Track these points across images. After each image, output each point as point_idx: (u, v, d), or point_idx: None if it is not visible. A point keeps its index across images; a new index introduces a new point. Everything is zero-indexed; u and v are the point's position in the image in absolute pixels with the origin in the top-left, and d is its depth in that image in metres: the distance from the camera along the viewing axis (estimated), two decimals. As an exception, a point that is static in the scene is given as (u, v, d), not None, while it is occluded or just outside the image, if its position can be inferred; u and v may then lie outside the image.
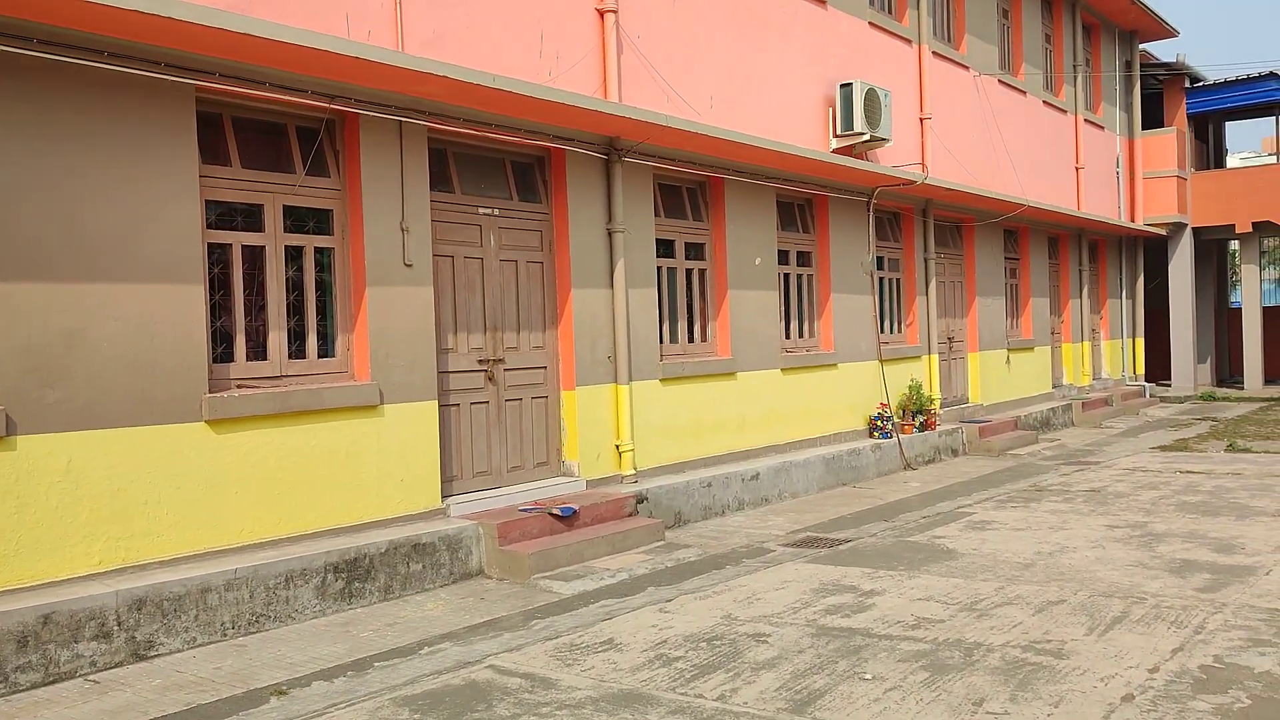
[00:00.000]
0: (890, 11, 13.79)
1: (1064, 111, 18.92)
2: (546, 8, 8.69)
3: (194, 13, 5.75)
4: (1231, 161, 30.62)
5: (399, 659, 5.74)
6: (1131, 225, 20.77)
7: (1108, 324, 21.66)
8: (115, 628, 5.66)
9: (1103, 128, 20.64)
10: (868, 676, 5.13)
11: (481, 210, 8.48)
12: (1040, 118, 17.97)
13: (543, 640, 5.98)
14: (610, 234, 9.34)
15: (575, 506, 8.14)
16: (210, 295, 6.70)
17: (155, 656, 5.81)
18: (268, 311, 7.01)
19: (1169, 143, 21.85)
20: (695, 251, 10.71)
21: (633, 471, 9.35)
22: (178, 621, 5.92)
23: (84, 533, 5.88)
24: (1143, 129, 22.19)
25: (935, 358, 14.52)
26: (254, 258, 6.98)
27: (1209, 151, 25.34)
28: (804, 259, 12.32)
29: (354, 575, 6.79)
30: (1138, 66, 22.09)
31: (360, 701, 5.05)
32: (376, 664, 5.66)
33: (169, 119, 6.32)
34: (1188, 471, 11.94)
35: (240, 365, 6.83)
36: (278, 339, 7.03)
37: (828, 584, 7.10)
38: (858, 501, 10.66)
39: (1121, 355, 22.02)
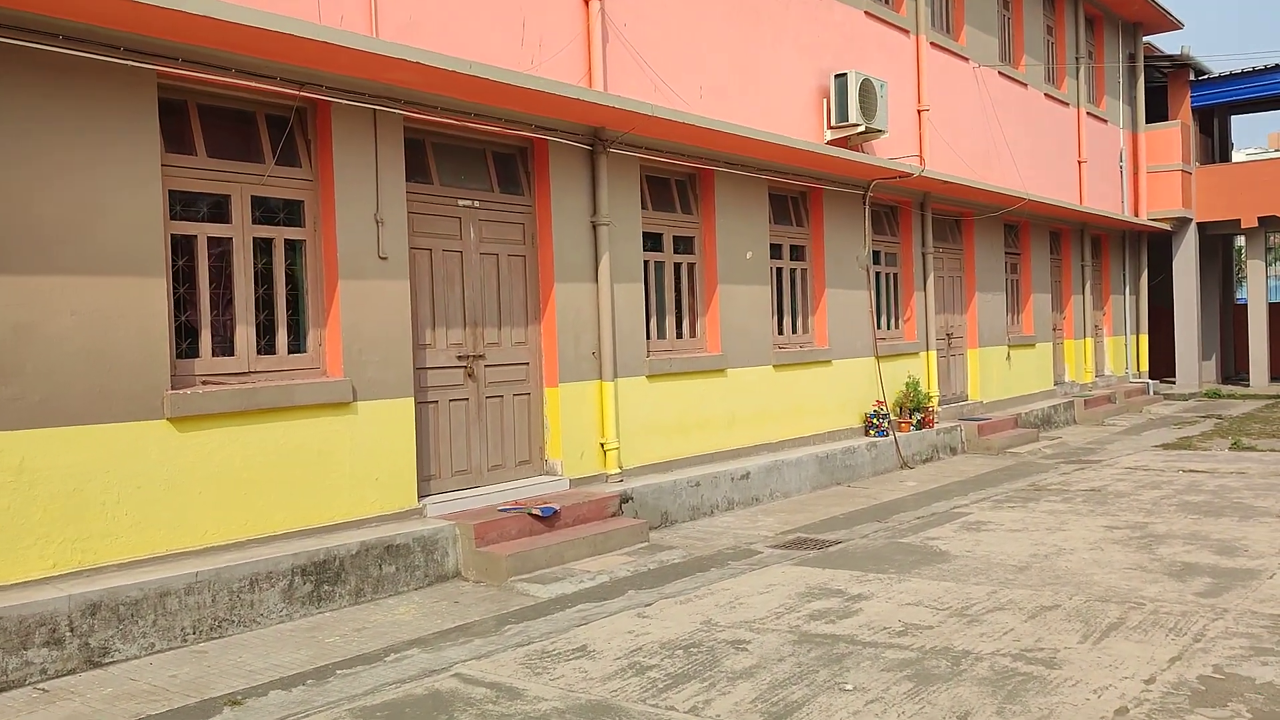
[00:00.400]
0: (887, 1, 13.52)
1: (1066, 104, 18.63)
2: (528, -6, 8.45)
3: (149, -7, 5.52)
4: (1237, 157, 30.28)
5: (363, 666, 5.51)
6: (1135, 220, 20.48)
7: (1110, 320, 21.37)
8: (68, 634, 5.44)
9: (1106, 121, 20.35)
10: (849, 687, 4.89)
11: (461, 202, 8.24)
12: (1041, 110, 17.69)
13: (514, 647, 5.74)
14: (595, 227, 9.10)
15: (556, 506, 7.91)
16: (174, 288, 6.47)
17: (110, 664, 5.59)
18: (235, 306, 6.78)
19: (1173, 136, 21.55)
20: (684, 245, 10.47)
21: (618, 470, 9.12)
22: (134, 627, 5.69)
23: (37, 535, 5.66)
24: (1146, 122, 21.88)
25: (933, 354, 14.26)
26: (221, 250, 6.75)
27: (1214, 145, 25.03)
28: (797, 253, 12.06)
29: (323, 578, 6.56)
30: (1141, 59, 21.79)
31: (316, 713, 4.82)
32: (339, 672, 5.43)
33: (129, 106, 6.09)
34: (1191, 470, 11.68)
35: (206, 361, 6.60)
36: (245, 334, 6.80)
37: (814, 587, 6.85)
38: (851, 501, 10.41)
39: (1125, 352, 21.73)
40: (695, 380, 10.18)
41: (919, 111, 13.87)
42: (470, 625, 6.24)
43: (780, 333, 11.69)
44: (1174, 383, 22.50)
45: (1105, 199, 20.02)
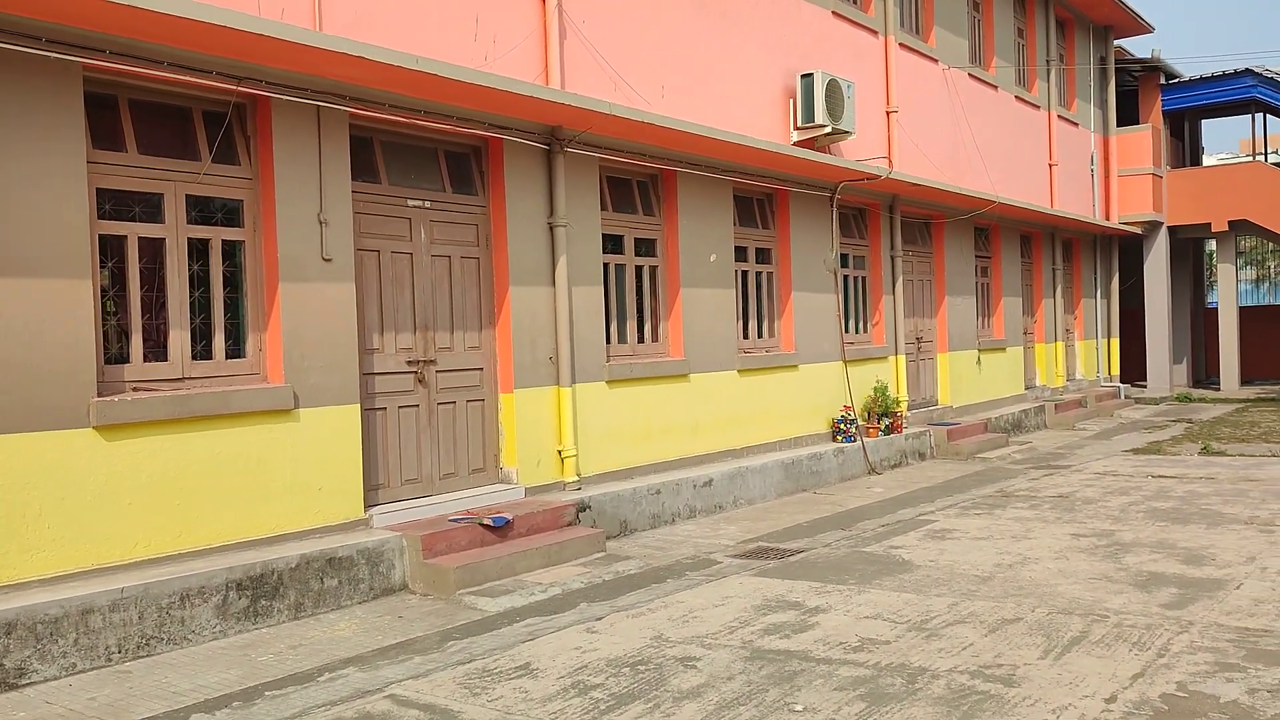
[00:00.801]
0: (855, 1, 13.37)
1: (1037, 107, 18.56)
2: (482, -12, 8.21)
3: (68, -19, 5.26)
4: (1208, 162, 30.38)
5: (294, 687, 5.25)
6: (1106, 224, 20.45)
7: (1082, 324, 21.32)
8: (-20, 655, 5.15)
9: (1077, 124, 20.30)
10: (798, 708, 4.68)
11: (411, 202, 7.99)
12: (1012, 113, 17.60)
13: (455, 665, 5.50)
14: (552, 228, 8.86)
15: (509, 516, 7.67)
16: (104, 291, 6.19)
17: (27, 685, 5.30)
18: (169, 309, 6.50)
19: (1144, 140, 21.54)
20: (646, 247, 10.25)
21: (576, 478, 8.88)
22: (54, 646, 5.41)
23: (-50, 550, 5.37)
24: (1117, 126, 21.87)
25: (902, 358, 14.11)
26: (154, 251, 6.47)
27: (1185, 149, 25.08)
28: (764, 256, 11.88)
29: (260, 592, 6.29)
30: (1112, 62, 21.78)
31: (237, 739, 4.57)
32: (268, 693, 5.17)
33: (53, 100, 5.81)
34: (1160, 476, 11.57)
35: (137, 367, 6.32)
36: (179, 338, 6.52)
37: (771, 600, 6.64)
38: (816, 509, 10.22)
39: (1096, 356, 21.70)
40: (657, 385, 9.96)
41: (888, 113, 13.72)
42: (412, 642, 5.99)
43: (745, 337, 11.50)
44: (1145, 386, 22.49)
45: (1076, 202, 19.97)
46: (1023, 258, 18.64)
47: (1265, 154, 24.89)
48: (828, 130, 11.60)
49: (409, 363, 7.92)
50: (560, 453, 8.84)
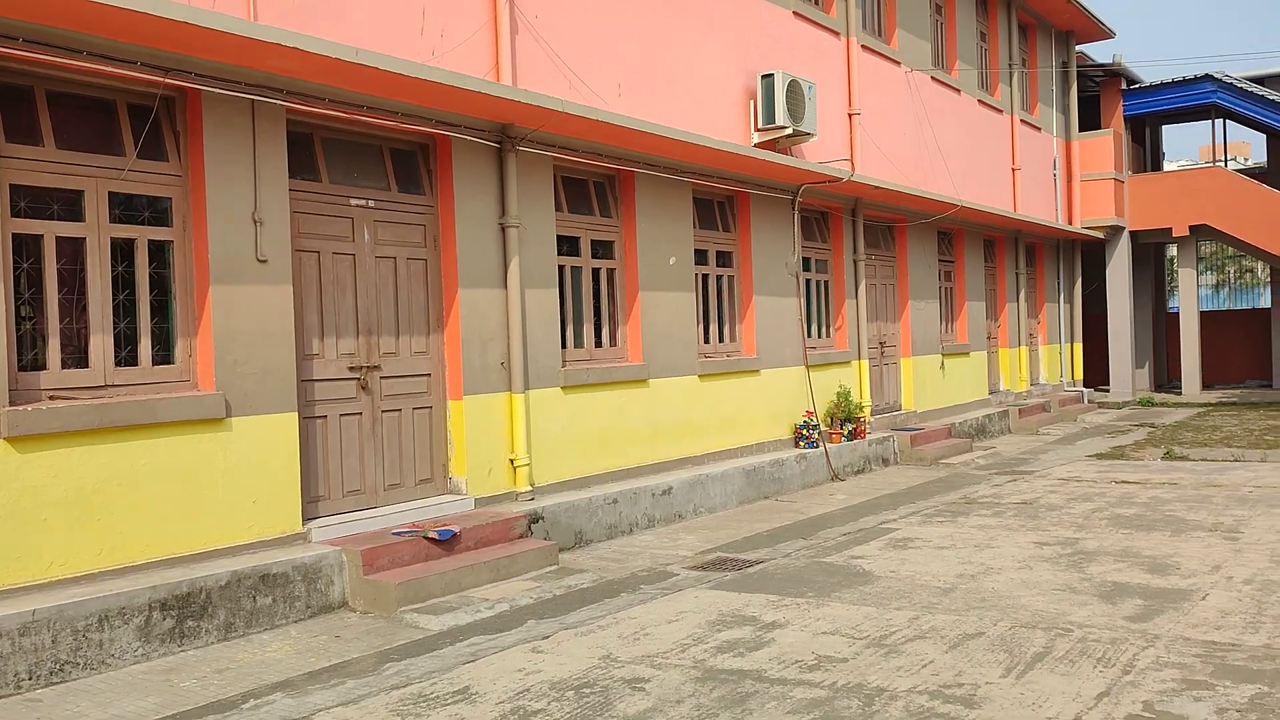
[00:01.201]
0: (817, 3, 13.20)
1: (1000, 111, 18.51)
2: (429, -20, 7.92)
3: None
4: (1168, 168, 30.59)
5: (215, 715, 4.92)
6: (1069, 228, 20.44)
7: (1045, 328, 21.31)
8: (-127, 685, 4.78)
9: (1039, 129, 20.29)
10: (749, 734, 4.42)
11: (354, 202, 7.67)
12: (975, 117, 17.53)
13: (389, 690, 5.19)
14: (504, 229, 8.57)
15: (455, 529, 7.36)
16: (17, 294, 5.83)
17: (-74, 717, 4.94)
18: (90, 313, 6.14)
19: (1106, 145, 21.58)
20: (603, 250, 9.99)
21: (529, 488, 8.59)
22: (-43, 675, 5.04)
23: None
24: (1080, 131, 21.90)
25: (866, 363, 13.93)
26: (74, 251, 6.12)
27: (1146, 154, 25.20)
28: (724, 259, 11.65)
29: (186, 612, 5.95)
30: (1074, 67, 21.81)
31: (146, 775, 4.24)
32: (186, 723, 4.84)
33: (-40, 89, 5.46)
34: (1123, 481, 11.45)
35: (54, 374, 5.96)
36: (101, 344, 6.16)
37: (726, 615, 6.39)
38: (778, 517, 9.99)
39: (1060, 360, 21.69)
40: (615, 391, 9.69)
41: (850, 115, 13.56)
42: (347, 664, 5.67)
43: (706, 341, 11.26)
44: (1108, 391, 22.52)
45: (1039, 207, 19.95)
46: (986, 262, 18.57)
47: (1225, 159, 25.05)
48: (789, 131, 11.39)
49: (351, 369, 7.59)
50: (513, 462, 8.54)
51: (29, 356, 5.92)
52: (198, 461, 6.40)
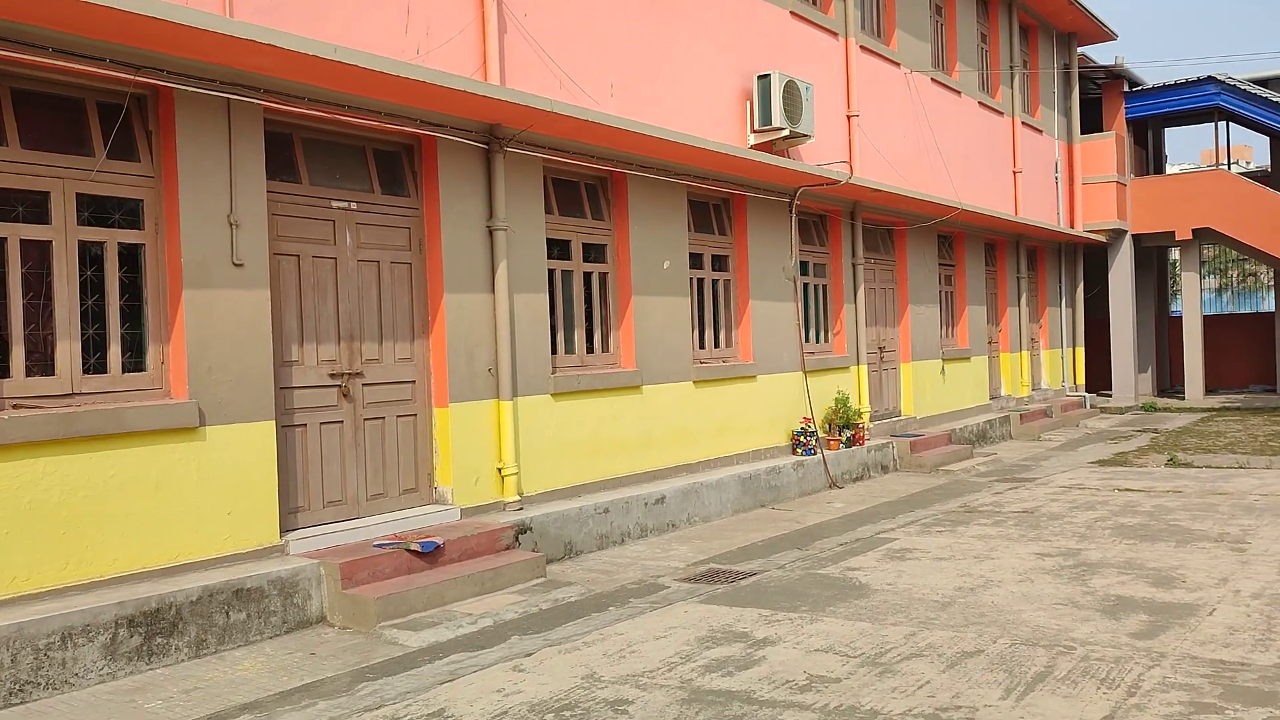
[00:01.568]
0: (815, 3, 13.00)
1: (1001, 113, 18.30)
2: (413, -23, 7.71)
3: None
4: (1170, 172, 30.38)
5: (178, 740, 4.71)
6: (1071, 231, 20.22)
7: (1047, 333, 21.08)
8: None
9: (1041, 131, 20.08)
10: (735, 762, 4.20)
11: (335, 203, 7.47)
12: (976, 119, 17.32)
13: (362, 712, 4.98)
14: (491, 232, 8.36)
15: (439, 540, 7.14)
16: (-19, 298, 5.63)
17: (-124, 741, 4.73)
18: (56, 319, 5.93)
19: (1108, 147, 21.36)
20: (595, 253, 9.77)
21: (517, 498, 8.37)
22: (-90, 696, 4.83)
23: None
24: (1082, 133, 21.68)
25: (864, 368, 13.71)
26: (40, 254, 5.91)
27: (1149, 157, 24.99)
28: (720, 263, 11.43)
29: (155, 629, 5.73)
30: (1076, 69, 21.60)
31: (98, 806, 4.02)
32: (147, 748, 4.63)
33: (-81, 86, 5.26)
34: (1126, 489, 11.22)
35: (18, 382, 5.75)
36: (69, 350, 5.95)
37: (717, 630, 6.17)
38: (774, 526, 9.76)
39: (1061, 365, 21.46)
40: (607, 398, 9.47)
41: (848, 117, 13.35)
42: (320, 684, 5.45)
43: (701, 347, 11.04)
44: (1110, 396, 22.29)
45: (1041, 210, 19.73)
46: (987, 266, 18.35)
47: (1228, 162, 24.83)
48: (786, 133, 11.19)
49: (332, 375, 7.38)
50: (500, 470, 8.33)
51: (-7, 364, 5.72)
52: (170, 472, 6.18)
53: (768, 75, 11.17)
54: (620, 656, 5.71)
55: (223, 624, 6.04)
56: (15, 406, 5.69)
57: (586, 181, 9.71)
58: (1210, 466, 12.83)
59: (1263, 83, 22.90)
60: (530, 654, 5.82)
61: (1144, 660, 5.32)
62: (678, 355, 10.39)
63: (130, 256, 6.30)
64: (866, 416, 13.46)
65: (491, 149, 8.35)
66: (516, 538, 7.87)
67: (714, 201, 11.42)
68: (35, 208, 5.88)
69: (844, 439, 12.51)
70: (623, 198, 9.88)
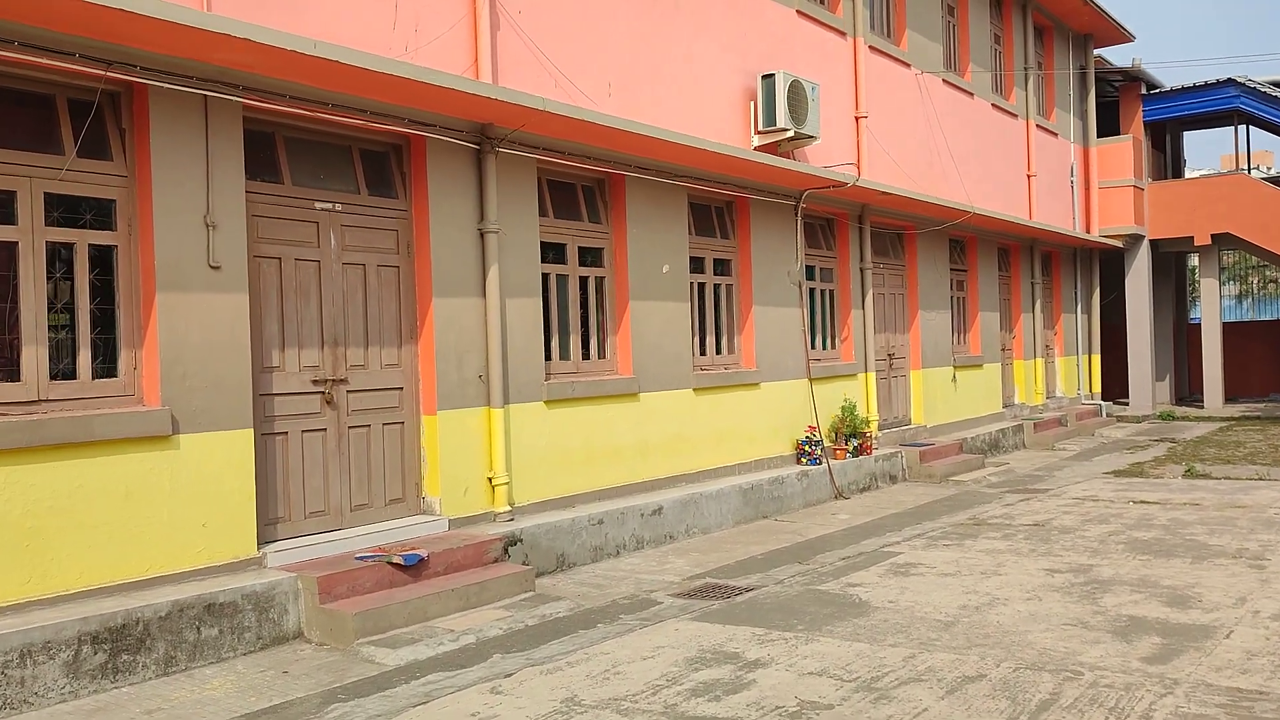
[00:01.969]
0: (823, 2, 12.73)
1: (1014, 116, 17.97)
2: (402, -28, 7.50)
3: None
4: (1190, 176, 29.93)
5: (132, 766, 4.48)
6: (1086, 236, 19.85)
7: (1062, 340, 20.71)
8: None
9: (1056, 134, 19.73)
10: (713, 799, 3.94)
11: (319, 205, 7.25)
12: (989, 121, 17.00)
13: (328, 736, 4.74)
14: (483, 234, 8.13)
15: (423, 553, 6.90)
16: (-57, 301, 5.43)
17: None
18: (23, 323, 5.72)
19: (1125, 151, 20.99)
20: (592, 257, 9.53)
21: (508, 508, 8.13)
22: None
23: None
24: (1098, 136, 21.31)
25: (873, 376, 13.41)
26: (6, 256, 5.71)
27: (1166, 161, 24.58)
28: (722, 267, 11.17)
29: (121, 646, 5.51)
30: (1092, 71, 21.24)
31: (35, 841, 3.79)
32: (99, 774, 4.40)
33: (-124, 81, 5.06)
34: (1142, 501, 10.89)
35: (-18, 388, 5.55)
36: (35, 355, 5.74)
37: (707, 650, 5.90)
38: (775, 538, 9.49)
39: (1077, 373, 21.07)
40: (603, 405, 9.22)
41: (856, 118, 13.07)
42: (289, 704, 5.22)
43: (702, 353, 10.78)
44: (1127, 404, 21.88)
45: (1055, 214, 19.38)
46: (1000, 271, 18.01)
47: (1249, 166, 24.40)
48: (790, 134, 10.92)
49: (315, 382, 7.16)
50: (491, 480, 8.09)
51: (-45, 369, 5.52)
52: (141, 482, 5.97)
53: (772, 75, 10.92)
54: (604, 678, 5.46)
55: (193, 640, 5.81)
56: (-23, 414, 5.49)
57: (583, 183, 9.48)
58: (1229, 478, 12.47)
59: (1284, 86, 22.46)
60: (510, 674, 5.57)
61: (1156, 688, 5.03)
62: (677, 361, 10.13)
63: (102, 258, 6.09)
64: (874, 425, 13.16)
65: (483, 149, 8.12)
66: (506, 550, 7.63)
67: (716, 204, 11.16)
68: (1, 207, 5.67)
69: (851, 448, 12.22)
70: (620, 200, 9.63)
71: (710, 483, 10.17)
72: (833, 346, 13.08)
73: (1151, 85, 22.19)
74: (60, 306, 5.92)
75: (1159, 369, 22.61)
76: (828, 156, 12.13)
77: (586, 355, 9.41)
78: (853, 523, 10.22)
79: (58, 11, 5.33)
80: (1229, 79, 20.99)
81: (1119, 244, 20.95)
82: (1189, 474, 12.86)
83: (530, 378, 8.50)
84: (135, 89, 6.14)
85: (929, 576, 7.66)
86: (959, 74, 16.14)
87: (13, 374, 5.69)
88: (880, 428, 13.55)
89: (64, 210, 5.94)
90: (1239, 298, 32.52)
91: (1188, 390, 25.03)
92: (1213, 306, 21.51)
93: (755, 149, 10.94)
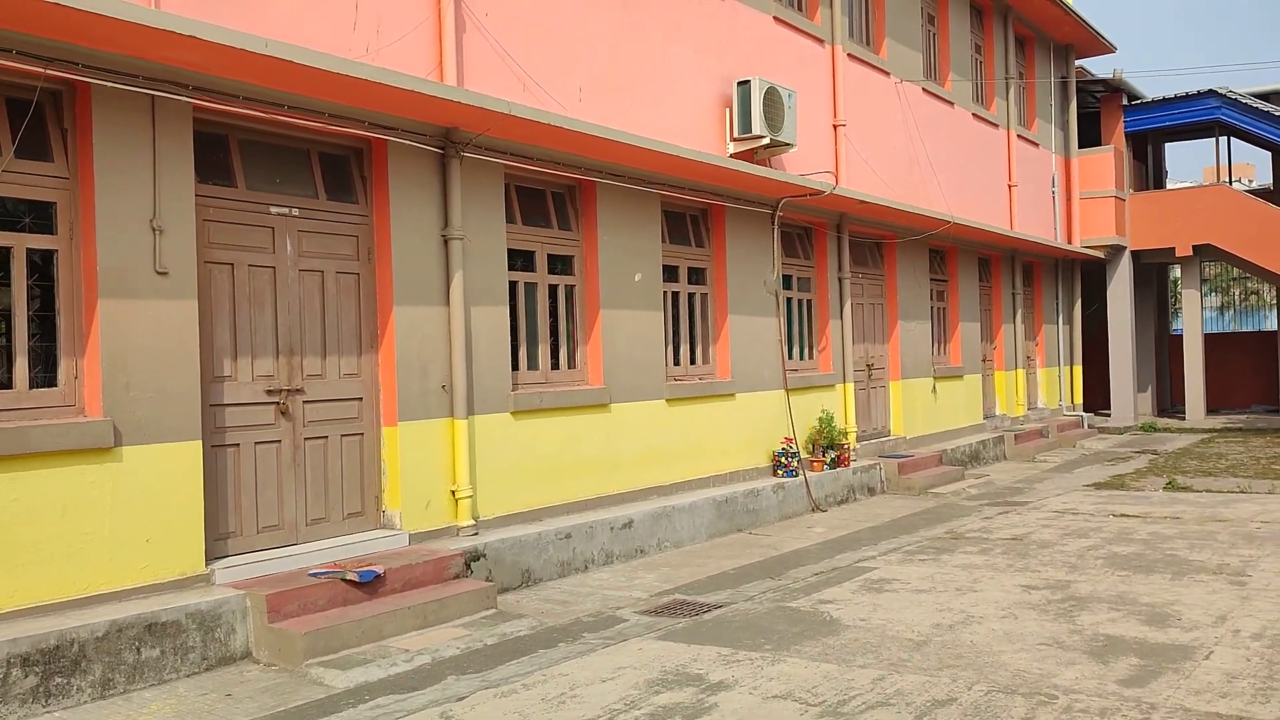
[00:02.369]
0: (800, 9, 12.59)
1: (995, 126, 17.88)
2: (363, -29, 7.29)
3: None
4: (1171, 188, 29.94)
5: (53, 799, 4.23)
6: (1068, 247, 19.76)
7: (1043, 351, 20.61)
8: None
9: (1037, 145, 19.66)
10: (663, 835, 3.72)
11: (275, 209, 7.02)
12: (969, 131, 16.90)
13: (264, 766, 4.50)
14: (446, 241, 7.92)
15: (380, 569, 6.67)
16: None
17: None
18: (-45, 329, 5.50)
19: (1106, 161, 20.93)
20: (562, 265, 9.33)
21: (472, 522, 7.90)
22: None
23: None
24: (1079, 147, 21.26)
25: (851, 386, 13.23)
26: (-62, 260, 5.47)
27: (1148, 172, 24.56)
28: (697, 276, 10.98)
29: (54, 668, 5.25)
30: (1073, 82, 21.19)
31: None
32: (16, 808, 4.14)
33: None
34: (1122, 515, 10.73)
35: (-91, 398, 5.30)
36: (-32, 364, 5.51)
37: (669, 672, 5.68)
38: (748, 552, 9.28)
39: (1058, 384, 20.97)
40: (572, 417, 9.01)
41: (835, 126, 12.92)
42: (227, 731, 4.98)
43: (676, 364, 10.58)
44: (1109, 416, 21.79)
45: (1037, 225, 19.29)
46: (981, 281, 17.89)
47: (1230, 178, 24.40)
48: (766, 141, 10.76)
49: (269, 392, 6.92)
50: (454, 493, 7.86)
51: (-119, 378, 5.27)
52: (80, 496, 5.72)
53: (748, 81, 10.76)
54: (560, 702, 5.23)
55: (133, 661, 5.56)
56: (-97, 425, 5.24)
57: (553, 189, 9.28)
58: (1210, 490, 12.34)
59: (1265, 97, 22.47)
60: (463, 698, 5.34)
61: (1132, 713, 4.83)
62: (649, 372, 9.92)
63: (42, 263, 5.85)
64: (852, 436, 12.98)
65: (447, 154, 7.92)
66: (468, 565, 7.40)
67: (691, 212, 10.98)
68: (-68, 210, 5.44)
69: (828, 460, 12.03)
70: (591, 207, 9.44)
71: (683, 495, 9.96)
72: (810, 357, 12.90)
73: (1133, 96, 22.17)
74: (-3, 313, 5.69)
75: (1141, 380, 22.53)
76: (805, 164, 11.97)
77: (556, 365, 9.20)
78: (828, 536, 10.02)
79: (-8, 5, 5.11)
80: (1210, 90, 20.98)
81: (1101, 255, 20.88)
82: (1170, 487, 12.73)
83: (496, 388, 8.28)
84: (78, 87, 5.91)
85: (903, 593, 7.47)
86: (939, 83, 16.03)
87: (-57, 383, 5.45)
88: (859, 439, 13.37)
89: (1, 213, 5.70)
90: (1221, 309, 32.56)
91: (1170, 402, 24.98)
92: (1194, 318, 21.47)
93: (731, 156, 10.77)
